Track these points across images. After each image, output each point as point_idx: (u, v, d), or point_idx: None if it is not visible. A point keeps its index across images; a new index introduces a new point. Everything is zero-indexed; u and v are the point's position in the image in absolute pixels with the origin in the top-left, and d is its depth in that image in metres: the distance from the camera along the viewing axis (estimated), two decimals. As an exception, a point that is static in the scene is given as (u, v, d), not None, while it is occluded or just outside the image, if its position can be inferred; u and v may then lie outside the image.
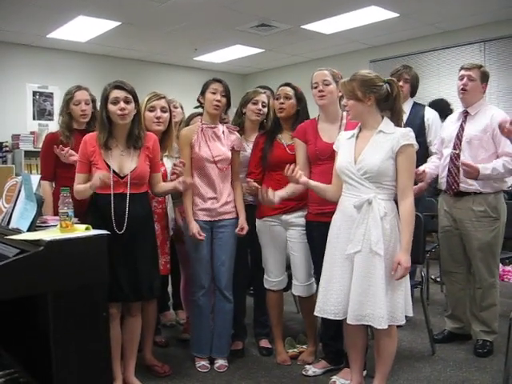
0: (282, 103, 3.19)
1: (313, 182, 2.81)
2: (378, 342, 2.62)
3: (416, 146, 2.55)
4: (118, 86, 2.69)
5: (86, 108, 3.26)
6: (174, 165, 3.03)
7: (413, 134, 2.54)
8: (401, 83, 3.75)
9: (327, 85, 2.97)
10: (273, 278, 3.27)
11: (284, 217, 3.17)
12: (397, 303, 2.50)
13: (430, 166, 3.53)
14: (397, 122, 2.61)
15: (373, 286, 2.46)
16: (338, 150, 2.72)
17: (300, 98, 3.22)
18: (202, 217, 3.15)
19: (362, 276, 2.48)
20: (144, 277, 2.75)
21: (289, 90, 3.20)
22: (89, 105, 3.28)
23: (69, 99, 3.26)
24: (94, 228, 2.41)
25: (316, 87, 2.99)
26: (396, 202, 2.57)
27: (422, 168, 3.33)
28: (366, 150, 2.56)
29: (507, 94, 6.39)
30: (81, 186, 2.70)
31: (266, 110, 3.42)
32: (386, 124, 2.57)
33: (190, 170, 3.15)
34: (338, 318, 2.57)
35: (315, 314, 2.69)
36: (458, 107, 3.59)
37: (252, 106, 3.39)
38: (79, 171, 2.75)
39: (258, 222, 3.28)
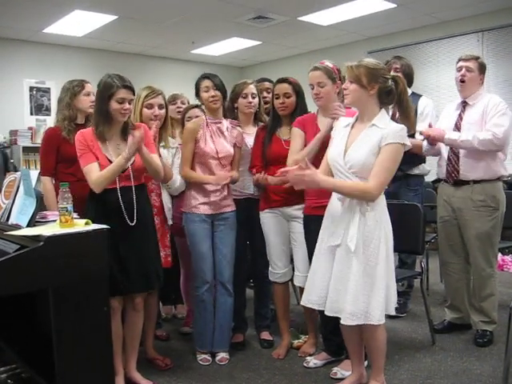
0: (283, 103, 3.18)
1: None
2: (365, 339, 2.63)
3: (408, 145, 2.47)
4: (127, 87, 2.68)
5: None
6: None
7: (404, 133, 2.46)
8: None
9: (322, 87, 2.92)
10: (277, 270, 3.27)
11: (284, 209, 3.19)
12: (374, 301, 2.43)
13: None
14: (406, 117, 2.56)
15: (348, 281, 2.44)
16: (333, 137, 2.68)
17: (298, 92, 3.20)
18: (204, 210, 3.16)
19: (339, 270, 2.49)
20: (152, 266, 2.79)
21: (287, 88, 3.17)
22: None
23: (78, 91, 3.24)
24: (98, 223, 2.40)
25: (312, 88, 2.97)
26: (386, 195, 2.56)
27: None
28: (355, 144, 2.51)
29: (505, 83, 6.37)
30: (104, 171, 2.65)
31: (256, 100, 3.39)
32: (381, 117, 2.50)
33: (190, 163, 3.17)
34: (321, 309, 2.58)
35: (301, 303, 2.72)
36: (456, 97, 3.57)
37: (242, 99, 3.35)
38: (90, 161, 2.68)
39: (261, 214, 3.29)
